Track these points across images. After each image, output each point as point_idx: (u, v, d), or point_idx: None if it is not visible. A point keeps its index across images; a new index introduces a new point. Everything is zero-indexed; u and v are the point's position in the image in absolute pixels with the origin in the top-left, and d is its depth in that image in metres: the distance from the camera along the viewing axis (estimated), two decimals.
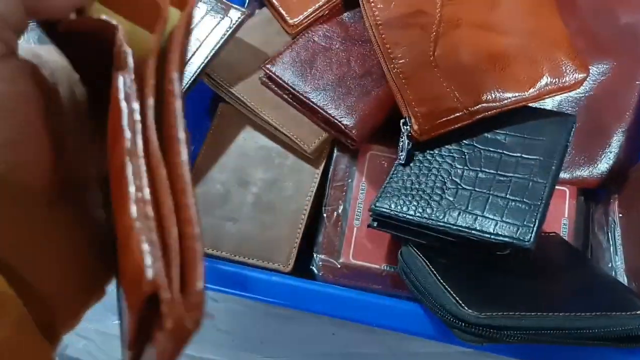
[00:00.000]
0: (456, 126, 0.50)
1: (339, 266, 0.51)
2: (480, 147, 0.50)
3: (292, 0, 0.60)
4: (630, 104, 0.57)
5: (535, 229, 0.43)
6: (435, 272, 0.45)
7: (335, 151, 0.56)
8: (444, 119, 0.49)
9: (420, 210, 0.47)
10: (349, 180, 0.54)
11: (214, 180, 0.56)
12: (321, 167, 0.55)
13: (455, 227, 0.45)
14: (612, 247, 0.53)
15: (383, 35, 0.51)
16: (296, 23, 0.59)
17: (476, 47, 0.50)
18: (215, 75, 0.57)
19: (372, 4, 0.52)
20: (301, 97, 0.54)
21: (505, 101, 0.50)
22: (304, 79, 0.55)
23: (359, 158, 0.55)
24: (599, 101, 0.57)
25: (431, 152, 0.51)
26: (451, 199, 0.47)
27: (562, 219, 0.56)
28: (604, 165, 0.57)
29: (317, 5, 0.59)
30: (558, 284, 0.45)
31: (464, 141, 0.51)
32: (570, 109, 0.58)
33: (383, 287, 0.52)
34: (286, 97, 0.56)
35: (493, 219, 0.45)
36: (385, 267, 0.52)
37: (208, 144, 0.59)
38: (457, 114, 0.49)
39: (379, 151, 0.56)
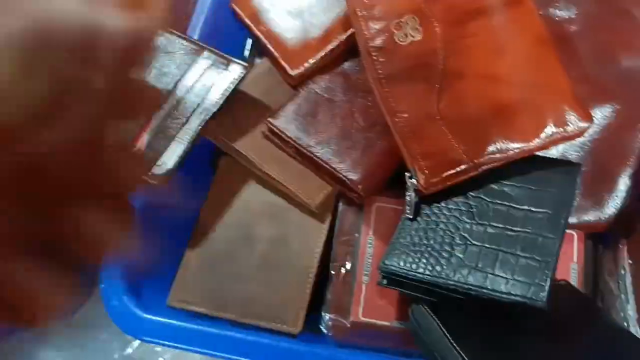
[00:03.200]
0: (462, 178, 0.50)
1: (348, 325, 0.51)
2: (488, 199, 0.50)
3: (292, 51, 0.60)
4: (634, 147, 0.57)
5: (548, 287, 0.43)
6: (448, 334, 0.44)
7: (340, 205, 0.56)
8: (450, 172, 0.49)
9: (430, 268, 0.47)
10: (356, 235, 0.54)
11: (218, 237, 0.55)
12: (327, 222, 0.55)
13: (466, 286, 0.45)
14: (623, 295, 0.53)
15: (386, 89, 0.51)
16: (297, 74, 0.59)
17: (481, 99, 0.51)
18: (218, 130, 0.57)
19: (374, 58, 0.52)
20: (305, 151, 0.55)
21: (511, 152, 0.50)
22: (307, 132, 0.55)
23: (365, 211, 0.55)
24: (604, 145, 0.57)
25: (438, 205, 0.51)
26: (460, 255, 0.47)
27: (570, 264, 0.56)
28: (610, 209, 0.57)
29: (318, 55, 0.59)
30: (573, 345, 0.45)
31: (471, 193, 0.51)
32: (574, 153, 0.58)
33: (394, 345, 0.51)
34: (289, 151, 0.56)
35: (504, 277, 0.45)
36: (396, 324, 0.51)
37: (211, 199, 0.59)
38: (463, 167, 0.49)
39: (385, 202, 0.56)
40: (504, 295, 0.44)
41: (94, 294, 0.61)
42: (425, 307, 0.47)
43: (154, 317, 0.47)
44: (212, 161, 0.63)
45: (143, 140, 0.54)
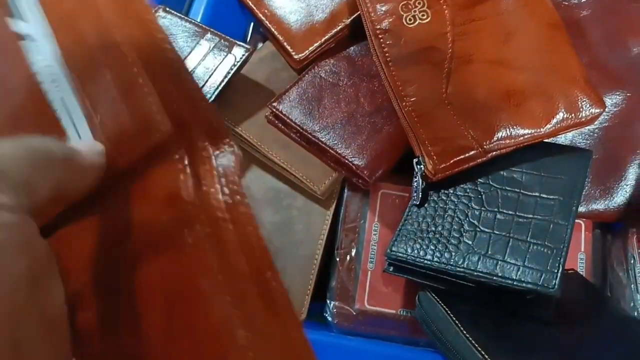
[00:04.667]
0: (471, 164, 0.49)
1: (354, 313, 0.50)
2: (497, 186, 0.49)
3: (297, 35, 0.59)
4: None
5: (559, 274, 0.42)
6: (457, 321, 0.43)
7: (345, 191, 0.55)
8: (458, 158, 0.48)
9: (438, 254, 0.46)
10: (361, 222, 0.53)
11: None
12: (332, 209, 0.54)
13: (475, 273, 0.44)
14: (632, 285, 0.52)
15: (393, 73, 0.50)
16: (302, 58, 0.58)
17: (490, 83, 0.50)
18: (219, 113, 0.56)
19: (382, 40, 0.51)
20: (309, 136, 0.53)
21: (521, 138, 0.49)
22: (311, 117, 0.54)
23: (370, 197, 0.54)
24: (613, 133, 0.56)
25: (446, 192, 0.50)
26: (470, 242, 0.46)
27: (578, 253, 0.55)
28: (620, 198, 0.56)
29: (322, 39, 0.58)
30: (581, 334, 0.44)
31: (480, 180, 0.50)
32: (584, 141, 0.57)
33: (400, 333, 0.50)
34: (294, 135, 0.55)
35: (515, 264, 0.44)
36: (402, 312, 0.50)
37: None
38: (472, 152, 0.48)
39: (391, 189, 0.54)
40: (515, 283, 0.43)
41: None
42: (433, 295, 0.46)
43: None
44: None
45: None
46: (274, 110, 0.55)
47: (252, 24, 0.67)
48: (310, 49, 0.58)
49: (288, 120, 0.54)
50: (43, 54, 0.27)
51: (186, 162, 0.24)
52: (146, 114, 0.24)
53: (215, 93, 0.54)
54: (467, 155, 0.48)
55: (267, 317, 0.23)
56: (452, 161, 0.48)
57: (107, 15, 0.26)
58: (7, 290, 0.19)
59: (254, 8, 0.61)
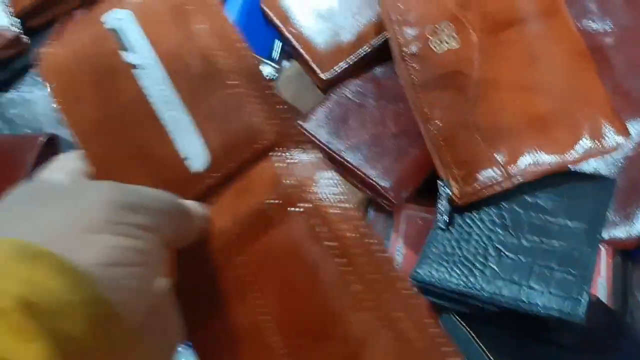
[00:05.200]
0: (496, 189, 0.49)
1: None
2: (521, 211, 0.49)
3: (323, 54, 0.60)
4: None
5: (585, 302, 0.43)
6: (480, 343, 0.44)
7: (370, 211, 0.55)
8: (483, 182, 0.49)
9: (464, 278, 0.47)
10: (385, 242, 0.54)
11: None
12: None
13: (501, 298, 0.45)
14: None
15: (420, 96, 0.51)
16: (328, 77, 0.59)
17: (515, 109, 0.50)
18: None
19: (409, 64, 0.52)
20: (336, 156, 0.54)
21: (546, 164, 0.49)
22: (337, 136, 0.55)
23: (395, 218, 0.55)
24: (636, 161, 0.57)
25: (470, 215, 0.50)
26: (495, 267, 0.47)
27: (598, 279, 0.56)
28: None
29: (348, 59, 0.59)
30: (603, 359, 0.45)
31: (504, 204, 0.50)
32: (606, 167, 0.58)
33: None
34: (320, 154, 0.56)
35: (540, 290, 0.44)
36: None
37: None
38: (497, 177, 0.49)
39: (416, 210, 0.55)
40: (540, 309, 0.43)
41: None
42: (456, 317, 0.47)
43: None
44: None
45: None
46: (302, 129, 0.56)
47: (278, 42, 0.68)
48: (336, 69, 0.59)
49: (314, 139, 0.55)
50: (153, 80, 0.33)
51: (283, 155, 0.32)
52: (254, 125, 0.32)
53: None
54: (492, 180, 0.49)
55: (373, 273, 0.29)
56: (477, 185, 0.49)
57: (208, 45, 0.33)
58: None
59: (281, 27, 0.63)
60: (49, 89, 0.34)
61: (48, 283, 0.20)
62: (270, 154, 0.32)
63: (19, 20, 0.68)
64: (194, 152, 0.32)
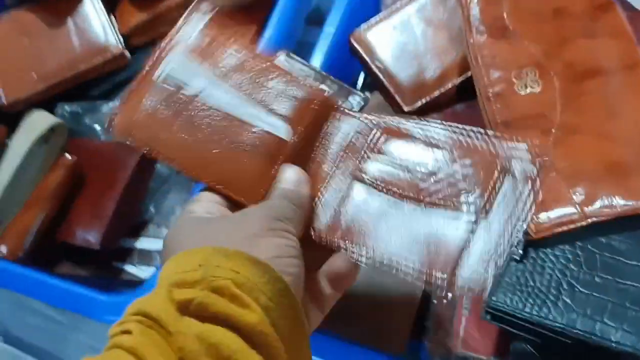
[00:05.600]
0: (571, 227, 0.52)
1: (447, 354, 0.53)
2: (595, 250, 0.52)
3: (406, 89, 0.64)
4: None
5: None
6: None
7: None
8: (560, 219, 0.52)
9: (537, 308, 0.49)
10: None
11: None
12: None
13: (574, 331, 0.47)
14: None
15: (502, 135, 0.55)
16: (410, 111, 0.63)
17: (594, 155, 0.53)
18: None
19: (492, 104, 0.56)
20: None
21: (621, 209, 0.52)
22: None
23: None
24: None
25: (544, 250, 0.53)
26: (568, 301, 0.49)
27: None
28: None
29: (431, 95, 0.63)
30: None
31: (578, 243, 0.53)
32: None
33: None
34: None
35: (614, 327, 0.47)
36: (492, 359, 0.53)
37: None
38: (574, 216, 0.52)
39: None
40: (613, 344, 0.46)
41: None
42: (528, 346, 0.49)
43: None
44: None
45: None
46: None
47: (363, 76, 0.73)
48: (418, 103, 0.63)
49: None
50: (218, 96, 0.43)
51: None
52: (304, 93, 0.45)
53: None
54: (568, 217, 0.52)
55: None
56: (553, 222, 0.52)
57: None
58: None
59: (368, 60, 0.67)
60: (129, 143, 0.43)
61: (246, 270, 0.31)
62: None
63: (124, 38, 0.75)
64: (275, 126, 0.42)
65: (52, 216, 0.62)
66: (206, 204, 0.40)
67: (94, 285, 0.58)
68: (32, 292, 0.58)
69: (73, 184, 0.63)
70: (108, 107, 0.71)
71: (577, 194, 0.52)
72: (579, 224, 0.52)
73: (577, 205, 0.52)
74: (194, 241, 0.34)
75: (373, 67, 0.67)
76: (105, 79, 0.75)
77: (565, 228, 0.52)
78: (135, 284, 0.60)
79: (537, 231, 0.52)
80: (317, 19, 0.83)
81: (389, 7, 0.70)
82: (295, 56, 0.65)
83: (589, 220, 0.52)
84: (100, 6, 0.75)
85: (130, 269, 0.62)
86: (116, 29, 0.75)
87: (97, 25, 0.74)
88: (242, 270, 0.31)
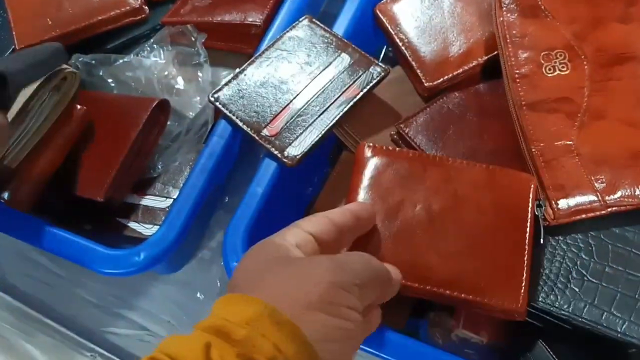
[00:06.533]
0: (589, 215, 0.52)
1: (449, 334, 0.54)
2: (608, 241, 0.52)
3: (429, 64, 0.64)
4: None
5: None
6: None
7: None
8: (579, 206, 0.52)
9: (544, 295, 0.50)
10: None
11: None
12: None
13: (580, 319, 0.47)
14: None
15: (526, 116, 0.55)
16: (431, 87, 0.63)
17: (619, 142, 0.53)
18: (347, 125, 0.61)
19: (518, 85, 0.55)
20: None
21: None
22: (435, 144, 0.59)
23: None
24: None
25: (556, 237, 0.53)
26: (576, 289, 0.49)
27: None
28: None
29: (454, 72, 0.63)
30: None
31: (591, 233, 0.53)
32: None
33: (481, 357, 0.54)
34: None
35: (621, 317, 0.47)
36: (491, 341, 0.54)
37: (328, 189, 0.63)
38: (593, 204, 0.52)
39: None
40: (620, 335, 0.46)
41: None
42: (545, 345, 0.50)
43: None
44: (328, 154, 0.68)
45: (282, 122, 0.58)
46: (401, 131, 0.60)
47: (384, 48, 0.73)
48: (440, 79, 0.63)
49: (412, 143, 0.59)
50: None
51: None
52: None
53: (349, 106, 0.59)
54: (587, 205, 0.52)
55: None
56: (572, 209, 0.52)
57: None
58: None
59: (392, 32, 0.67)
60: None
61: (289, 346, 0.30)
62: None
63: None
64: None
65: (58, 166, 0.62)
66: (303, 234, 0.39)
67: (96, 239, 0.58)
68: (33, 240, 0.59)
69: (82, 135, 0.63)
70: (122, 61, 0.71)
71: (598, 181, 0.52)
72: (598, 213, 0.52)
73: (598, 193, 0.52)
74: (262, 279, 0.35)
75: (397, 39, 0.66)
76: (121, 32, 0.75)
77: (583, 216, 0.52)
78: (138, 241, 0.61)
79: (556, 218, 0.52)
80: None
81: None
82: (317, 22, 0.65)
83: (609, 210, 0.52)
84: None
85: (133, 225, 0.62)
86: None
87: None
88: (284, 348, 0.30)
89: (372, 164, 0.53)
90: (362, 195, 0.51)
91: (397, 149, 0.55)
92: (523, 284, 0.47)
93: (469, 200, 0.51)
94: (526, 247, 0.49)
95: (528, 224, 0.50)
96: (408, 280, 0.47)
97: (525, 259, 0.48)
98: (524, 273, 0.48)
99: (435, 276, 0.48)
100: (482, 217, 0.50)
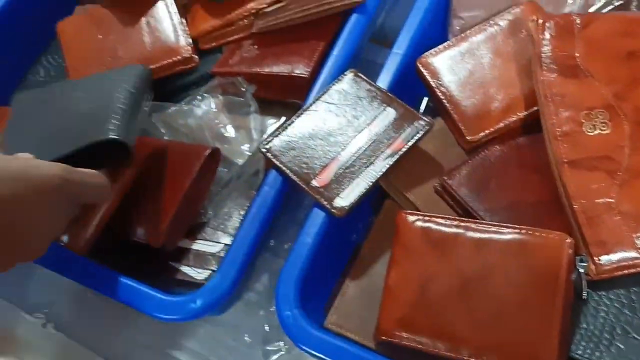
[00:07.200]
0: (631, 271, 0.54)
1: None
2: None
3: (471, 118, 0.67)
4: None
5: None
6: None
7: None
8: (621, 263, 0.54)
9: (589, 351, 0.52)
10: None
11: (378, 273, 0.62)
12: None
13: None
14: None
15: (567, 174, 0.58)
16: (473, 140, 0.66)
17: None
18: (391, 177, 0.65)
19: (560, 142, 0.59)
20: (473, 213, 0.61)
21: None
22: (478, 197, 0.62)
23: None
24: None
25: (599, 293, 0.56)
26: (621, 346, 0.52)
27: None
28: None
29: (496, 126, 0.66)
30: None
31: (634, 288, 0.55)
32: None
33: None
34: (458, 210, 0.63)
35: None
36: None
37: (373, 236, 0.66)
38: (636, 261, 0.54)
39: None
40: None
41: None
42: None
43: (323, 334, 0.55)
44: (372, 202, 0.71)
45: (330, 173, 0.62)
46: (445, 183, 0.63)
47: (426, 101, 0.76)
48: (482, 134, 0.66)
49: (456, 195, 0.62)
50: None
51: None
52: None
53: (395, 159, 0.62)
54: (630, 262, 0.54)
55: None
56: (614, 265, 0.54)
57: None
58: None
59: (434, 86, 0.70)
60: None
61: None
62: None
63: (194, 41, 0.80)
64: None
65: (114, 211, 0.66)
66: None
67: (149, 281, 0.62)
68: (91, 284, 0.62)
69: (137, 179, 0.67)
70: (175, 109, 0.75)
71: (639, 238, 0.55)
72: (639, 269, 0.54)
73: (639, 250, 0.54)
74: None
75: (438, 92, 0.70)
76: (172, 80, 0.80)
77: (626, 272, 0.54)
78: (189, 284, 0.64)
79: (598, 273, 0.54)
80: (379, 38, 0.87)
81: (456, 35, 0.73)
82: (362, 75, 0.69)
83: None
84: (174, 9, 0.80)
85: (185, 269, 0.66)
86: (187, 32, 0.80)
87: (169, 26, 0.80)
88: None
89: (409, 235, 0.58)
90: (401, 267, 0.56)
91: (432, 216, 0.58)
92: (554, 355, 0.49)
93: (499, 268, 0.53)
94: (557, 316, 0.50)
95: (559, 290, 0.51)
96: (441, 351, 0.50)
97: (556, 329, 0.50)
98: (554, 342, 0.49)
99: (467, 347, 0.51)
100: (512, 286, 0.52)
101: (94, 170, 0.57)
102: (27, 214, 0.49)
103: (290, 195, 0.70)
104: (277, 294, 0.57)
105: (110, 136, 0.59)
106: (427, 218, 0.58)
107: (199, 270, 0.65)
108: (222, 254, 0.66)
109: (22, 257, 0.52)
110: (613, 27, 0.63)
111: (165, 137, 0.76)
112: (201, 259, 0.66)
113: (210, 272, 0.65)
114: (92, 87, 0.69)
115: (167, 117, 0.75)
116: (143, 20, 0.81)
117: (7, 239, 0.48)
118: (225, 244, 0.66)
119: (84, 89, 0.69)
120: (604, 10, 0.71)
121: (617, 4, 0.71)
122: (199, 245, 0.68)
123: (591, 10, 0.71)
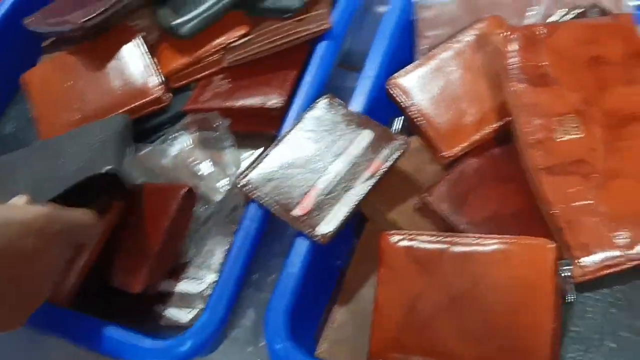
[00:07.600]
0: (614, 270, 0.56)
1: None
2: (636, 293, 0.56)
3: (445, 134, 0.69)
4: None
5: None
6: None
7: None
8: (603, 264, 0.56)
9: (581, 353, 0.53)
10: None
11: (365, 298, 0.63)
12: None
13: None
14: None
15: (543, 180, 0.59)
16: (449, 156, 0.67)
17: (636, 199, 0.57)
18: (371, 199, 0.66)
19: (535, 150, 0.60)
20: (455, 228, 0.62)
21: None
22: (459, 212, 0.63)
23: None
24: None
25: (584, 294, 0.57)
26: (613, 345, 0.53)
27: None
28: None
29: (470, 140, 0.67)
30: None
31: (616, 286, 0.56)
32: None
33: None
34: (439, 225, 0.64)
35: None
36: None
37: (356, 261, 0.67)
38: (617, 259, 0.55)
39: None
40: None
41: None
42: None
43: None
44: (353, 225, 0.72)
45: (311, 200, 0.63)
46: (425, 200, 0.64)
47: (401, 119, 0.78)
48: (457, 148, 0.68)
49: (437, 211, 0.64)
50: None
51: None
52: None
53: (375, 180, 0.63)
54: (612, 260, 0.55)
55: None
56: (596, 266, 0.55)
57: None
58: None
59: (405, 106, 0.72)
60: None
61: None
62: None
63: (166, 79, 0.81)
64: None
65: (95, 259, 0.66)
66: None
67: (136, 327, 0.62)
68: (72, 337, 0.62)
69: (116, 225, 0.67)
70: (147, 150, 0.76)
71: (620, 237, 0.56)
72: (621, 268, 0.56)
73: (619, 249, 0.56)
74: None
75: (410, 111, 0.71)
76: (145, 120, 0.81)
77: (609, 271, 0.56)
78: (177, 328, 0.64)
79: (583, 275, 0.56)
80: (346, 62, 0.88)
81: (424, 55, 0.75)
82: (337, 100, 0.71)
83: (631, 264, 0.55)
84: (144, 48, 0.81)
85: (171, 311, 0.66)
86: (159, 70, 0.81)
87: (139, 67, 0.80)
88: None
89: (393, 255, 0.58)
90: (388, 288, 0.57)
91: (415, 234, 0.59)
92: None
93: (485, 280, 0.54)
94: (547, 322, 0.51)
95: (548, 295, 0.52)
96: None
97: (547, 334, 0.51)
98: (546, 348, 0.50)
99: None
100: (500, 296, 0.53)
101: (82, 208, 0.58)
102: (14, 260, 0.48)
103: (269, 228, 0.70)
104: (266, 328, 0.57)
105: (108, 167, 0.62)
106: (410, 237, 0.58)
107: (186, 310, 0.65)
108: (208, 292, 0.65)
109: (24, 305, 0.52)
110: (576, 34, 0.66)
111: (140, 180, 0.76)
112: (186, 299, 0.66)
113: (196, 312, 0.64)
114: (79, 137, 0.71)
115: (141, 158, 0.76)
116: (112, 63, 0.82)
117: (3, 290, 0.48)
118: (212, 281, 0.66)
119: (71, 140, 0.71)
120: (563, 20, 0.74)
121: (576, 12, 0.74)
122: (183, 285, 0.67)
123: (550, 20, 0.73)
